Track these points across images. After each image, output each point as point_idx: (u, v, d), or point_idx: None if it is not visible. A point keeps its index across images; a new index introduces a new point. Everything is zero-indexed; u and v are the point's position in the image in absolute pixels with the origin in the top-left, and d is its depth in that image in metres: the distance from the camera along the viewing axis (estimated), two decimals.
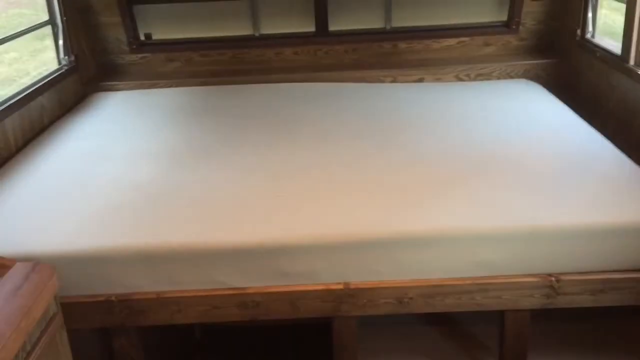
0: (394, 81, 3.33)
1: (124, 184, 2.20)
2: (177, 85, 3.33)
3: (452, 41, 3.43)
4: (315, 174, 2.22)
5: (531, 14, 3.35)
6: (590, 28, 3.05)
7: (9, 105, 2.52)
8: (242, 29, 3.52)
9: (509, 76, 3.31)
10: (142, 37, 3.46)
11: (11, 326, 1.22)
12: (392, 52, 3.45)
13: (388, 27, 3.48)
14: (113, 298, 1.83)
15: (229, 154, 2.44)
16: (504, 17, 3.42)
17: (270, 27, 3.51)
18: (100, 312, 1.83)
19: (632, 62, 2.62)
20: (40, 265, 1.43)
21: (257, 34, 3.51)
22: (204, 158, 2.41)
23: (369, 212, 1.95)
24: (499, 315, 1.92)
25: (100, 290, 1.84)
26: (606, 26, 3.13)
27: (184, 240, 1.85)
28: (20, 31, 2.85)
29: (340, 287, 1.86)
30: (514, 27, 3.37)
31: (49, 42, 3.24)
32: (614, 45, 2.77)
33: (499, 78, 3.31)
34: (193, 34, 3.50)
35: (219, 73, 3.41)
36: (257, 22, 3.49)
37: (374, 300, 1.86)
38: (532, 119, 2.69)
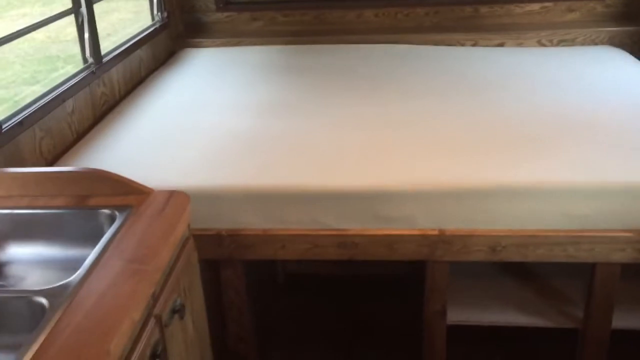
0: (474, 45, 3.35)
1: (224, 131, 2.33)
2: (260, 44, 3.43)
3: (535, 6, 3.41)
4: (408, 126, 2.30)
5: None
6: None
7: (115, 56, 2.68)
8: None
9: (593, 43, 3.28)
10: None
11: (164, 239, 1.36)
12: (473, 16, 3.46)
13: None
14: (223, 232, 1.97)
15: (320, 108, 2.54)
16: None
17: None
18: (212, 245, 1.97)
19: None
20: (177, 192, 1.57)
21: None
22: (296, 110, 2.52)
23: (465, 163, 2.02)
24: (589, 268, 1.98)
25: (212, 225, 1.98)
26: None
27: (290, 181, 1.97)
28: None
29: (436, 232, 1.95)
30: None
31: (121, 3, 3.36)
32: None
33: (582, 44, 3.28)
34: None
35: (301, 33, 3.49)
36: None
37: (467, 247, 1.95)
38: (620, 85, 2.68)
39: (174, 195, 1.55)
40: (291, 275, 2.89)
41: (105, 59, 2.60)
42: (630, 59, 3.01)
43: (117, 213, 1.46)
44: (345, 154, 2.13)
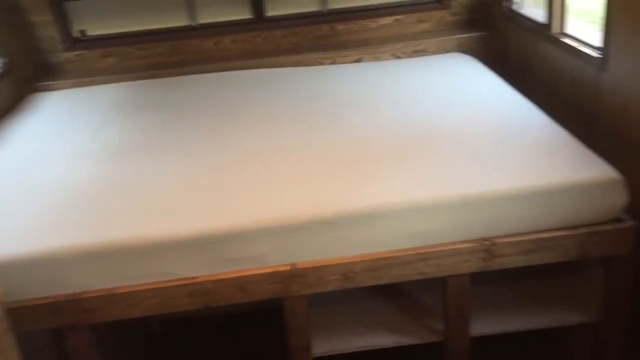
0: (333, 63, 3.38)
1: (65, 184, 2.20)
2: (115, 81, 3.30)
3: (387, 20, 3.50)
4: (258, 160, 2.27)
5: None
6: None
7: None
8: (179, 20, 3.51)
9: (444, 51, 3.40)
10: (77, 34, 3.41)
11: None
12: (329, 34, 3.50)
13: (324, 9, 3.53)
14: (62, 299, 1.84)
15: (171, 147, 2.45)
16: None
17: (207, 17, 3.51)
18: (50, 314, 1.84)
19: (555, 30, 2.74)
20: None
21: (194, 24, 3.50)
22: (144, 153, 2.42)
23: (311, 193, 2.00)
24: (442, 282, 2.02)
25: (49, 292, 1.84)
26: None
27: (131, 235, 1.88)
28: None
29: (288, 268, 1.91)
30: (445, 2, 3.46)
31: None
32: (541, 15, 2.88)
33: (434, 53, 3.39)
34: (129, 27, 3.47)
35: (158, 66, 3.40)
36: (194, 11, 3.48)
37: (321, 277, 1.93)
38: (466, 92, 2.78)
39: None
40: (167, 321, 2.77)
41: None
42: (477, 64, 3.13)
43: None
44: (191, 196, 2.06)
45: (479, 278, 2.02)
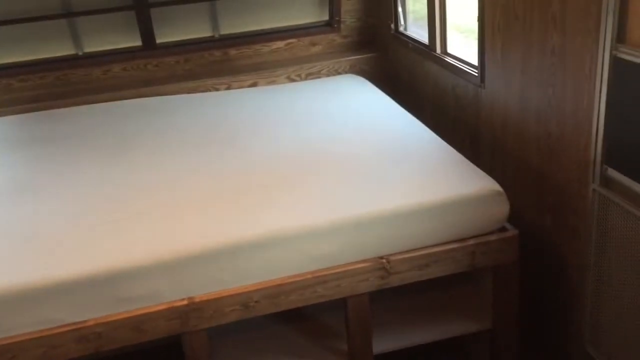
0: (228, 88, 3.36)
1: None
2: None
3: (280, 44, 3.53)
4: (148, 192, 2.20)
5: (350, 12, 3.55)
6: (402, 21, 3.29)
7: None
8: (63, 49, 3.36)
9: (337, 72, 3.47)
10: None
11: None
12: (223, 60, 3.48)
13: (217, 35, 3.51)
14: None
15: (56, 184, 2.33)
16: (326, 17, 3.58)
17: (94, 45, 3.39)
18: None
19: (438, 50, 2.86)
20: None
21: (80, 53, 3.37)
22: (28, 191, 2.28)
23: (205, 223, 1.96)
24: (343, 302, 2.03)
25: None
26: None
27: (10, 281, 1.75)
28: None
29: (185, 303, 1.85)
30: (335, 25, 3.55)
31: None
32: (425, 36, 3.00)
33: (327, 75, 3.46)
34: (9, 58, 3.28)
35: (43, 97, 3.24)
36: (79, 40, 3.35)
37: (220, 309, 1.88)
38: (358, 112, 2.84)
39: None
40: None
41: None
42: (368, 84, 3.21)
43: None
44: (77, 235, 1.96)
45: (378, 295, 2.05)
